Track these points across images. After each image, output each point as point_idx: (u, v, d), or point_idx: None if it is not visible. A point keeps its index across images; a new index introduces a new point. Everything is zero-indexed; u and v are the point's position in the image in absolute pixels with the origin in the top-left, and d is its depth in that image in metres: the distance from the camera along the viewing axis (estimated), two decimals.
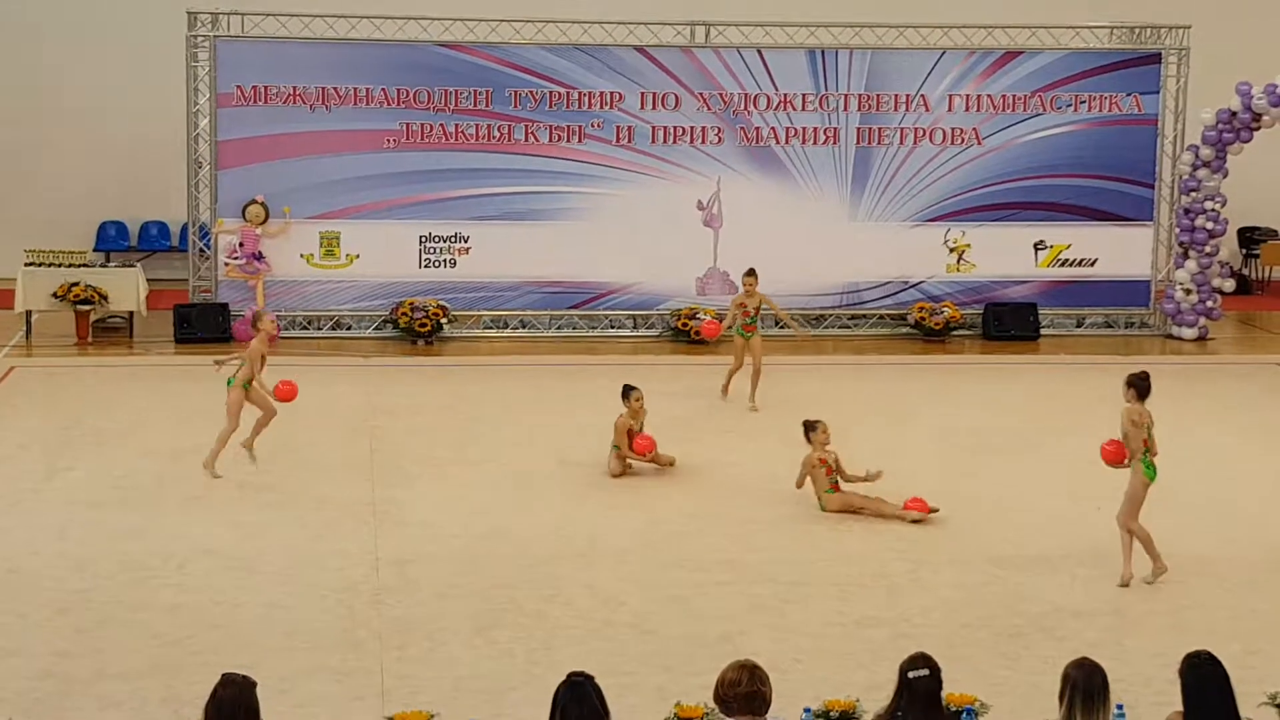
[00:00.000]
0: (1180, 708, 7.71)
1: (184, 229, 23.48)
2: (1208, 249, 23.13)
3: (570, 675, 7.42)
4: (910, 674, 7.51)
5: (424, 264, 22.38)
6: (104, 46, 25.19)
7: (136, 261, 23.69)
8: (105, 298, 21.57)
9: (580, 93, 22.40)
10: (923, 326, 22.89)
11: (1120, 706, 7.80)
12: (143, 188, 25.28)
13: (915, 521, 14.25)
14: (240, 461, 15.55)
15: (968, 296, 23.25)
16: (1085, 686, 7.49)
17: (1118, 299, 23.64)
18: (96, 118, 25.06)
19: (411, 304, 22.00)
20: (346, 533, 13.78)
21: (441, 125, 22.25)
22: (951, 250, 23.27)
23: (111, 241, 25.51)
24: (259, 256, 21.88)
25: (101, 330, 21.99)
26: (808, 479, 14.71)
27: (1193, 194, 23.03)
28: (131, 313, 21.95)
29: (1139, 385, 12.81)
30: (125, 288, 21.75)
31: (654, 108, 22.58)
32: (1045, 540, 13.83)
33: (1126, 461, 12.81)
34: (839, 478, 14.68)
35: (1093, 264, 23.50)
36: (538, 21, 22.44)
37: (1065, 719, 7.50)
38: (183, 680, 10.35)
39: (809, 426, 14.85)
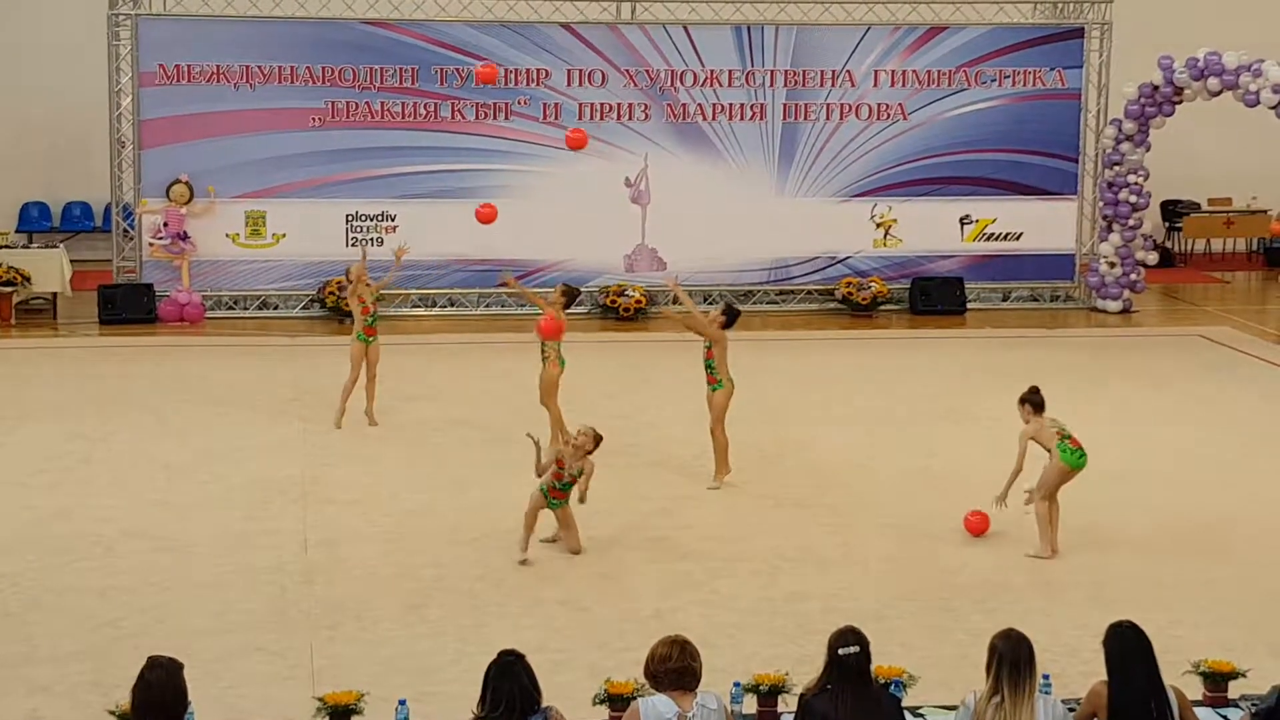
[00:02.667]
0: (1105, 677, 7.80)
1: (107, 209, 23.29)
2: (1131, 222, 23.31)
3: (501, 654, 7.42)
4: (840, 650, 7.54)
5: (351, 242, 22.26)
6: (24, 25, 24.91)
7: (59, 242, 23.43)
8: (28, 279, 21.38)
9: (506, 70, 22.32)
10: (850, 302, 22.98)
11: (1047, 677, 7.87)
12: (65, 168, 25.04)
13: None
14: (166, 442, 15.56)
15: (895, 271, 23.35)
16: (1012, 658, 7.55)
17: (1043, 272, 23.80)
18: (17, 97, 24.78)
19: (339, 283, 21.90)
20: (276, 512, 13.73)
21: (367, 103, 22.15)
22: (878, 225, 23.36)
23: (34, 222, 25.25)
24: (184, 236, 21.73)
25: (25, 312, 21.77)
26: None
27: (1116, 168, 23.21)
28: (55, 294, 21.78)
29: (1033, 401, 12.90)
30: (49, 269, 21.58)
31: (580, 85, 22.54)
32: None
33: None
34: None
35: (1018, 238, 23.63)
36: None
37: (992, 690, 7.56)
38: (112, 663, 10.28)
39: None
